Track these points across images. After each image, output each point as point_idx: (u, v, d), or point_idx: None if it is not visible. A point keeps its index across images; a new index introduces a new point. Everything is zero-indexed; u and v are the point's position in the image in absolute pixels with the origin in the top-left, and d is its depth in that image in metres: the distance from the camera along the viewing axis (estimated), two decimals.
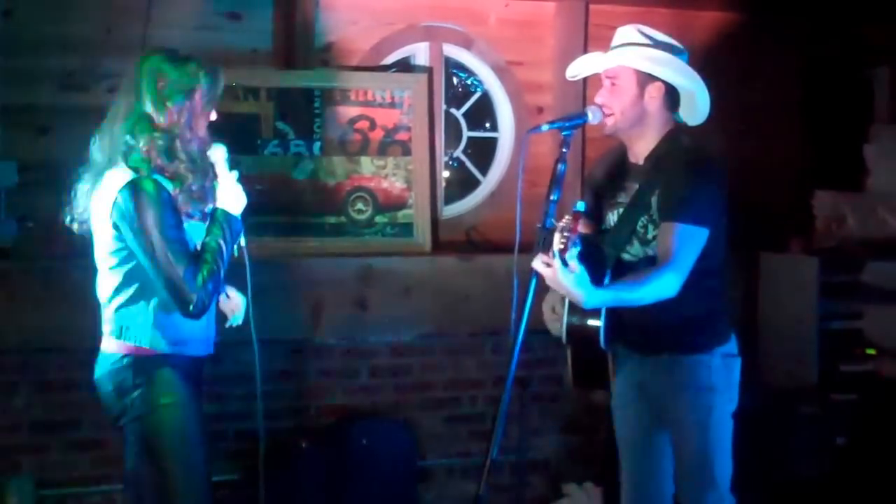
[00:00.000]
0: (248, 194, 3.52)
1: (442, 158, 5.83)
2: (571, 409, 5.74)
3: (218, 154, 3.47)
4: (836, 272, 5.74)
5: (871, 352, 5.74)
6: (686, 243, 3.37)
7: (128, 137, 3.33)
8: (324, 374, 5.41)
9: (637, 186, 3.56)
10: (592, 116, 3.50)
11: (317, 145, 5.48)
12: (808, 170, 6.26)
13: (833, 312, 5.72)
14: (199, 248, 3.38)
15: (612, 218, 3.64)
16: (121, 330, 3.39)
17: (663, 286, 3.31)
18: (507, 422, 3.18)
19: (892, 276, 5.74)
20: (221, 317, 3.73)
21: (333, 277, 5.28)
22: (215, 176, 3.45)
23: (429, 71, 5.76)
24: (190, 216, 3.39)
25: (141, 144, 3.31)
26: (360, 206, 5.53)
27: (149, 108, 3.34)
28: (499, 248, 5.52)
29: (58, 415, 4.98)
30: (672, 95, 3.58)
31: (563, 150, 3.30)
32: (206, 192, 3.41)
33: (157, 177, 3.31)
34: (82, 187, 3.45)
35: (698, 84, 3.58)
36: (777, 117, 6.31)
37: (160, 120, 3.34)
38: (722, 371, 3.60)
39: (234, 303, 3.76)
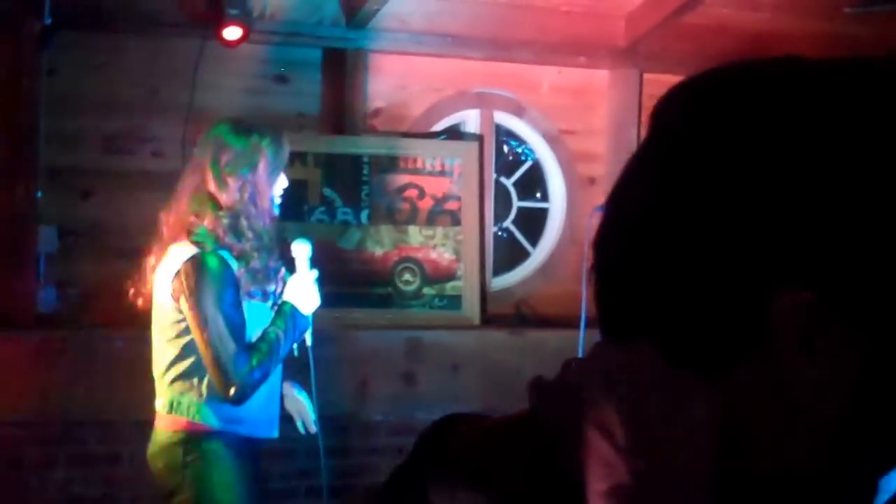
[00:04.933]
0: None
1: (492, 229, 5.69)
2: None
3: (301, 251, 3.42)
4: None
5: None
6: None
7: (192, 216, 3.27)
8: (370, 452, 5.23)
9: None
10: None
11: (364, 213, 5.35)
12: None
13: None
14: (258, 335, 3.27)
15: None
16: (172, 404, 3.29)
17: None
18: None
19: None
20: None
21: (380, 350, 5.16)
22: (281, 257, 3.40)
23: (479, 139, 5.64)
24: (251, 295, 3.29)
25: (206, 222, 3.25)
26: (407, 276, 5.38)
27: (211, 186, 3.28)
28: (549, 323, 5.37)
29: (98, 490, 4.79)
30: None
31: None
32: (270, 271, 3.33)
33: (223, 252, 3.22)
34: (149, 261, 3.36)
35: None
36: None
37: (223, 198, 3.27)
38: None
39: (295, 406, 3.67)
